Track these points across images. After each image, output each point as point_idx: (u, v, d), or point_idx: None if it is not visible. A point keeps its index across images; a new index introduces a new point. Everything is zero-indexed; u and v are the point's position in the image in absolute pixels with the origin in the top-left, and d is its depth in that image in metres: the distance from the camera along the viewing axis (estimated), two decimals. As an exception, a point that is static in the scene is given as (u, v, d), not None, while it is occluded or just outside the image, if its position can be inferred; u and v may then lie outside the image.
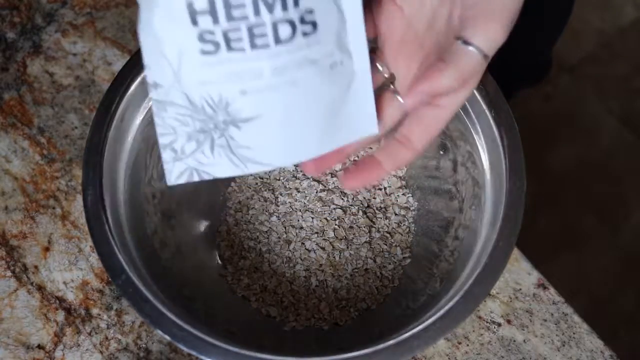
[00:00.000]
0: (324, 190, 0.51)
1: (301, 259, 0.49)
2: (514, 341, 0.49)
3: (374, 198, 0.52)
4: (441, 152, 0.49)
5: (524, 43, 0.64)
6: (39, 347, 0.48)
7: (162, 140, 0.33)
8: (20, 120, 0.56)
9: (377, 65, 0.36)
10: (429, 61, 0.35)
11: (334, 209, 0.51)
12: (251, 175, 0.53)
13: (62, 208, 0.53)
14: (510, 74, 0.69)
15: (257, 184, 0.53)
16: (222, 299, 0.48)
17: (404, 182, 0.52)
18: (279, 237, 0.50)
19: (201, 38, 0.30)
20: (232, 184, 0.53)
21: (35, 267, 0.51)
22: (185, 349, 0.37)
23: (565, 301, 0.50)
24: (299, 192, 0.52)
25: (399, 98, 0.36)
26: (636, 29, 1.32)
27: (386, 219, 0.51)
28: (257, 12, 0.30)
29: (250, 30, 0.30)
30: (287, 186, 0.52)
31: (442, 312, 0.37)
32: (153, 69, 0.31)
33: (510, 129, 0.42)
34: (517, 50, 0.65)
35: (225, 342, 0.37)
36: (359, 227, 0.50)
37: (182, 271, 0.47)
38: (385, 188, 0.52)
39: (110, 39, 0.59)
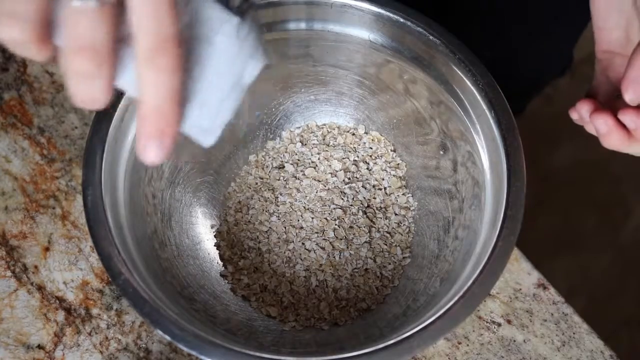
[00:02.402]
0: (324, 190, 0.51)
1: (301, 259, 0.49)
2: (514, 341, 0.49)
3: (374, 198, 0.52)
4: (441, 152, 0.49)
5: (553, 39, 0.66)
6: (39, 347, 0.48)
7: None
8: (20, 120, 0.56)
9: None
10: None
11: (334, 209, 0.51)
12: (251, 175, 0.53)
13: (62, 208, 0.53)
14: (540, 70, 0.70)
15: (257, 184, 0.53)
16: (222, 299, 0.48)
17: (404, 182, 0.53)
18: (279, 237, 0.50)
19: None
20: (232, 184, 0.53)
21: (35, 267, 0.51)
22: (186, 349, 0.37)
23: (565, 301, 0.50)
24: (299, 192, 0.52)
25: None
26: (636, 29, 1.32)
27: (386, 219, 0.51)
28: None
29: None
30: (287, 186, 0.52)
31: (442, 312, 0.37)
32: None
33: (510, 129, 0.42)
34: (546, 47, 0.66)
35: (225, 342, 0.37)
36: (359, 227, 0.50)
37: (182, 271, 0.47)
38: (385, 188, 0.52)
39: (110, 39, 0.59)
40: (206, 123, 0.30)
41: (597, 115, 0.38)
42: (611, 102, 0.40)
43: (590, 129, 0.41)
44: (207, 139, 0.31)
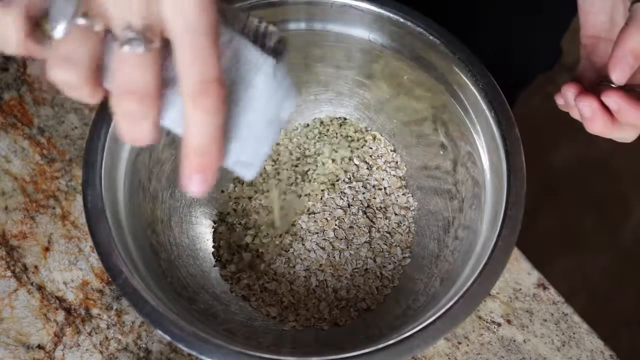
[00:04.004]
0: (324, 190, 0.51)
1: (301, 259, 0.49)
2: (514, 341, 0.49)
3: (374, 198, 0.52)
4: (441, 152, 0.49)
5: (540, 32, 0.66)
6: (39, 347, 0.48)
7: None
8: (20, 120, 0.56)
9: None
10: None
11: (334, 209, 0.51)
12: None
13: (62, 208, 0.53)
14: (530, 62, 0.70)
15: (256, 183, 0.53)
16: (222, 299, 0.48)
17: (404, 182, 0.53)
18: (279, 237, 0.50)
19: None
20: (232, 184, 0.53)
21: (35, 267, 0.51)
22: (185, 349, 0.37)
23: (565, 301, 0.50)
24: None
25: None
26: (636, 28, 1.32)
27: (386, 219, 0.51)
28: None
29: None
30: (287, 186, 0.52)
31: (442, 312, 0.37)
32: None
33: (510, 128, 0.42)
34: (533, 39, 0.66)
35: (225, 342, 0.37)
36: (359, 227, 0.50)
37: (182, 271, 0.47)
38: (385, 188, 0.52)
39: (110, 39, 0.59)
40: (247, 158, 0.32)
41: (581, 98, 0.38)
42: (595, 88, 0.40)
43: (575, 114, 0.41)
44: (249, 173, 0.33)
